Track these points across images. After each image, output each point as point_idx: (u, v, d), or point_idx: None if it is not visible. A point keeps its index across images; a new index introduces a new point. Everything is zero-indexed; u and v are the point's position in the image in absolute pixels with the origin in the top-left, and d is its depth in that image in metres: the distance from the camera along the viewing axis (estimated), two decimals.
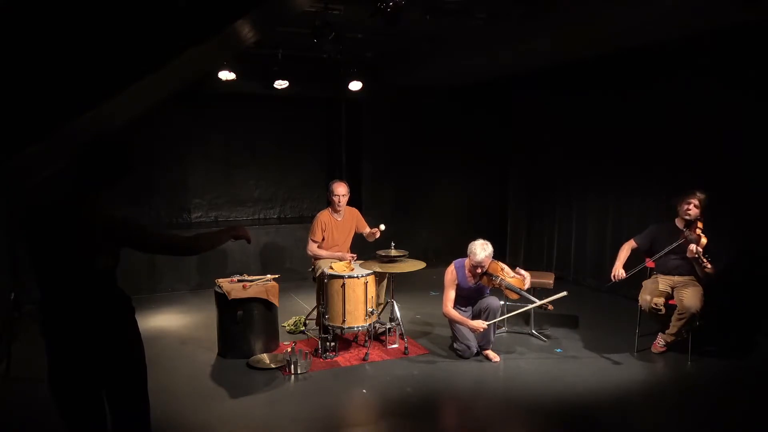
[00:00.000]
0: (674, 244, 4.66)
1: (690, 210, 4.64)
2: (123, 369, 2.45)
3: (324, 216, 5.50)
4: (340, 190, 5.44)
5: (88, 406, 2.42)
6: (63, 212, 2.35)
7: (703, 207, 4.63)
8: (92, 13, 2.31)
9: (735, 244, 5.27)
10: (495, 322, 4.74)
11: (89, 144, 2.39)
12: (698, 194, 4.64)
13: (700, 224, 4.61)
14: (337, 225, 5.51)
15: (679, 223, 4.75)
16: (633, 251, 4.96)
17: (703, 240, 4.53)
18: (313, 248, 5.46)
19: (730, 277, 5.15)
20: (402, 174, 8.28)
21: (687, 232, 4.61)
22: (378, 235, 5.39)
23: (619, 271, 4.83)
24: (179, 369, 4.62)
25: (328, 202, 5.59)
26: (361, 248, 5.76)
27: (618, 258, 4.92)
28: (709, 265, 4.49)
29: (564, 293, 4.55)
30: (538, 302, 4.53)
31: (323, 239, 5.46)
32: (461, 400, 4.21)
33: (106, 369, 2.41)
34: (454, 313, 4.77)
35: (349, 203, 5.62)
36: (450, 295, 4.79)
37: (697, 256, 4.48)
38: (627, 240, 5.05)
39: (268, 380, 4.39)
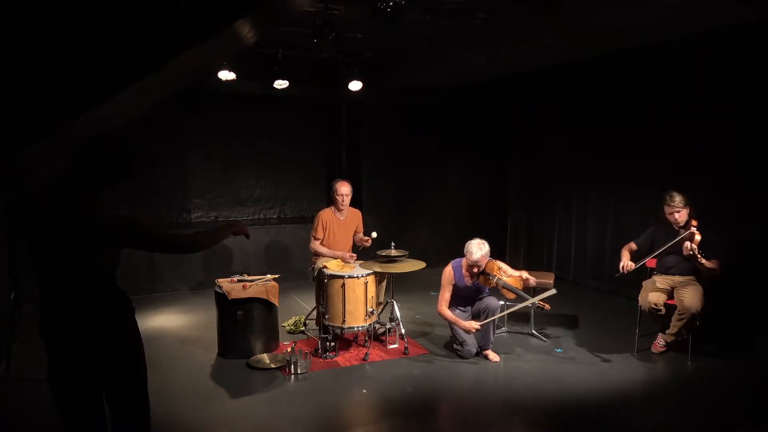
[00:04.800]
0: (669, 244, 4.65)
1: (677, 219, 4.63)
2: (123, 369, 2.44)
3: (326, 214, 5.51)
4: (344, 189, 5.45)
5: (88, 407, 2.42)
6: (63, 212, 2.34)
7: (687, 204, 4.61)
8: (92, 13, 2.31)
9: (735, 245, 5.26)
10: (489, 322, 4.71)
11: (89, 144, 2.39)
12: (675, 198, 4.60)
13: (694, 222, 4.62)
14: (339, 224, 5.51)
15: (676, 227, 4.74)
16: (634, 253, 4.97)
17: (697, 237, 4.52)
18: (315, 245, 5.47)
19: (730, 277, 5.14)
20: (402, 174, 8.28)
21: (682, 231, 4.62)
22: (369, 243, 5.44)
23: (627, 263, 4.78)
24: (179, 369, 4.62)
25: (331, 201, 5.60)
26: (358, 249, 5.75)
27: (622, 256, 4.93)
28: (704, 261, 4.49)
29: (553, 291, 4.57)
30: (529, 300, 4.54)
31: (324, 237, 5.47)
32: (461, 400, 4.21)
33: (106, 369, 2.41)
34: (448, 313, 4.77)
35: (350, 203, 5.63)
36: (446, 295, 4.79)
37: (692, 253, 4.49)
38: (629, 240, 5.06)
39: (268, 380, 4.39)
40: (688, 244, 4.50)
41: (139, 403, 2.51)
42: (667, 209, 4.66)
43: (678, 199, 4.61)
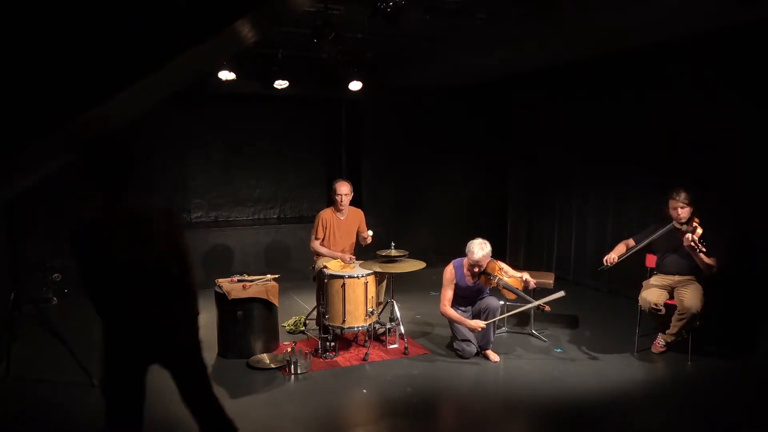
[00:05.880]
0: (664, 230, 4.68)
1: (680, 214, 4.64)
2: (191, 357, 2.71)
3: (326, 214, 5.51)
4: (343, 189, 5.45)
5: (136, 391, 2.62)
6: (117, 225, 2.50)
7: (691, 202, 4.62)
8: (92, 12, 2.31)
9: (735, 244, 5.27)
10: (494, 322, 4.74)
11: (107, 153, 2.54)
12: (679, 195, 4.63)
13: (696, 219, 4.64)
14: (340, 224, 5.51)
15: (677, 224, 4.75)
16: (629, 248, 4.96)
17: (699, 230, 4.53)
18: (315, 245, 5.48)
19: (730, 277, 5.15)
20: (402, 174, 8.28)
21: (684, 226, 4.62)
22: (370, 240, 5.47)
23: (611, 256, 4.87)
24: None
25: (331, 201, 5.60)
26: (362, 248, 5.76)
27: (613, 250, 4.96)
28: (704, 250, 4.48)
29: (561, 293, 4.55)
30: (535, 303, 4.54)
31: (324, 237, 5.47)
32: (461, 400, 4.22)
33: (175, 357, 2.65)
34: (452, 312, 4.77)
35: (350, 203, 5.63)
36: (448, 294, 4.79)
37: (693, 244, 4.48)
38: (626, 239, 5.07)
39: (268, 380, 4.39)
40: (689, 235, 4.49)
41: (203, 369, 2.79)
42: (671, 203, 4.68)
43: (684, 195, 4.63)
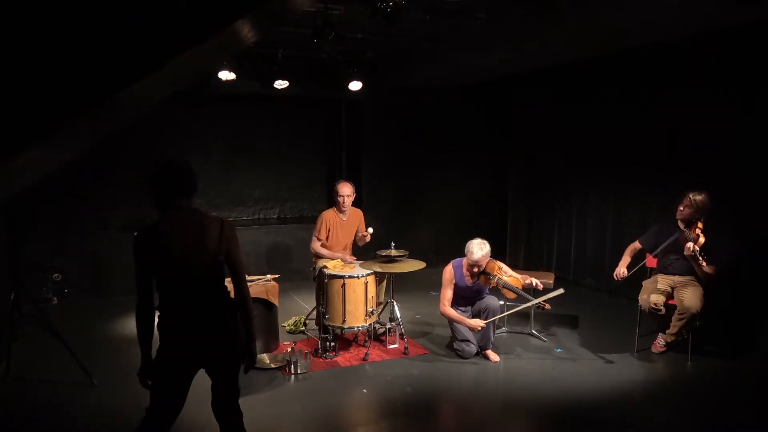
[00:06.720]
0: (670, 240, 4.68)
1: (682, 211, 4.66)
2: (230, 353, 2.77)
3: (329, 215, 5.51)
4: (345, 190, 5.45)
5: (179, 389, 2.71)
6: (182, 226, 2.56)
7: (699, 207, 4.60)
8: (92, 12, 2.31)
9: (735, 245, 5.26)
10: (494, 321, 4.74)
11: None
12: (690, 196, 4.62)
13: (700, 224, 4.62)
14: (342, 225, 5.51)
15: (680, 224, 4.75)
16: (638, 252, 5.00)
17: (701, 239, 4.53)
18: (315, 246, 5.47)
19: (730, 277, 5.15)
20: (402, 174, 8.29)
21: (686, 232, 4.62)
22: (368, 238, 5.48)
23: (621, 270, 4.88)
24: None
25: (332, 202, 5.60)
26: (362, 248, 5.76)
27: (622, 258, 4.99)
28: (705, 264, 4.50)
29: (561, 290, 4.55)
30: (534, 301, 4.53)
31: (327, 238, 5.48)
32: (461, 400, 4.22)
33: (217, 355, 2.73)
34: (452, 312, 4.77)
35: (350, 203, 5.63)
36: (447, 294, 4.79)
37: (693, 254, 4.48)
38: (629, 240, 5.08)
39: (268, 380, 4.39)
40: (690, 245, 4.49)
41: (236, 379, 2.89)
42: (686, 200, 4.65)
43: (701, 199, 4.58)
